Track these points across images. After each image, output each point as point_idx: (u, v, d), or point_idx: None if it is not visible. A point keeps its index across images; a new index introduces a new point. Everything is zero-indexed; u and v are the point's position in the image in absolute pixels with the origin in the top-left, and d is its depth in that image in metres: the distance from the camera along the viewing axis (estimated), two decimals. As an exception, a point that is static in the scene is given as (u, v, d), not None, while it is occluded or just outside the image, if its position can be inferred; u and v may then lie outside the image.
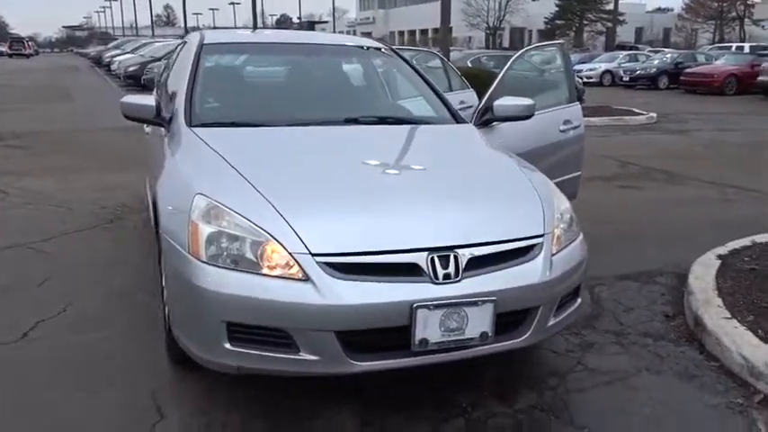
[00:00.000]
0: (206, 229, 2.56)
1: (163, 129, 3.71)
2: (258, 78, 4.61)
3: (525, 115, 3.92)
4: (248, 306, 2.44)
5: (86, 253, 4.87)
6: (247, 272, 2.48)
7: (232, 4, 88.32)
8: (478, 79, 8.98)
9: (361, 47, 4.72)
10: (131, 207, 6.16)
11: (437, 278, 2.50)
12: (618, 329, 3.64)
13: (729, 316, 3.47)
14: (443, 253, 2.54)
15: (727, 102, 19.86)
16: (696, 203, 6.77)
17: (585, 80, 25.54)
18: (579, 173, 4.89)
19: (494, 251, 2.64)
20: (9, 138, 10.60)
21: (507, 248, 2.68)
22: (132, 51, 29.05)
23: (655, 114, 14.75)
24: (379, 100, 4.44)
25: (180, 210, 2.73)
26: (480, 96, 4.51)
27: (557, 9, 55.28)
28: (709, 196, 7.11)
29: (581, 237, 3.05)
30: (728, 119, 15.08)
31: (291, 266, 2.45)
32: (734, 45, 35.06)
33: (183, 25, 51.59)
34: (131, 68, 22.91)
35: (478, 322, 2.54)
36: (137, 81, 21.22)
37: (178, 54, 4.81)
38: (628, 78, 26.63)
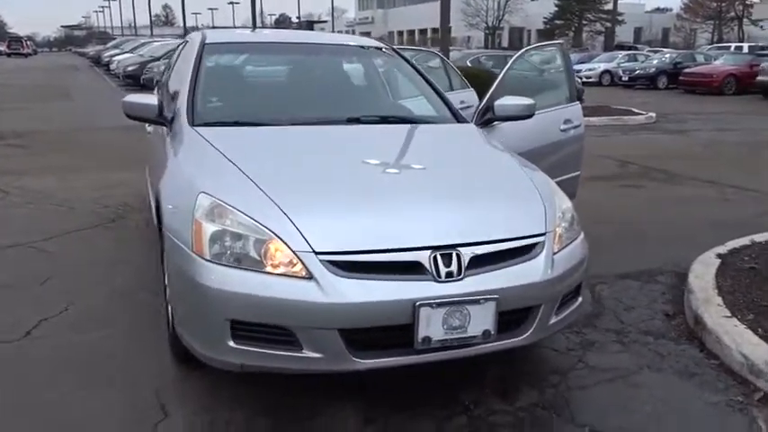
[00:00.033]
0: (210, 228, 2.58)
1: (165, 128, 3.73)
2: (260, 78, 4.62)
3: (526, 115, 3.94)
4: (252, 304, 2.45)
5: (88, 252, 4.88)
6: (251, 270, 2.49)
7: (231, 3, 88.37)
8: (478, 79, 9.00)
9: (363, 47, 4.74)
10: (132, 206, 6.17)
11: (440, 276, 2.52)
12: (619, 328, 3.66)
13: (729, 314, 3.48)
14: (446, 251, 2.56)
15: (726, 102, 19.89)
16: (695, 203, 6.79)
17: (584, 80, 25.58)
18: (579, 172, 4.91)
19: (496, 250, 2.66)
20: (9, 137, 10.61)
21: (509, 247, 2.69)
22: (131, 51, 29.04)
23: (654, 114, 14.77)
24: (381, 99, 4.46)
25: (183, 208, 2.74)
26: (480, 96, 4.53)
27: (556, 9, 55.31)
28: (708, 196, 7.13)
29: (582, 235, 3.07)
30: (727, 119, 15.11)
31: (295, 265, 2.47)
32: (733, 45, 35.12)
33: (181, 25, 51.60)
34: (130, 68, 22.93)
35: (481, 320, 2.55)
36: (136, 80, 21.23)
37: (180, 54, 4.82)
38: (627, 78, 26.66)
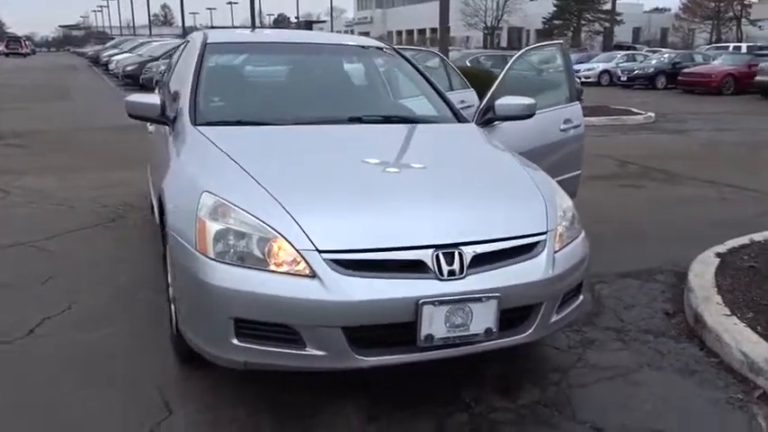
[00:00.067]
0: (213, 227, 2.59)
1: (167, 127, 3.74)
2: (262, 78, 4.64)
3: (526, 114, 3.96)
4: (255, 302, 2.47)
5: (89, 251, 4.89)
6: (254, 268, 2.50)
7: (230, 3, 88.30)
8: (478, 79, 9.02)
9: (364, 46, 4.75)
10: (133, 205, 6.18)
11: (442, 275, 2.53)
12: (619, 326, 3.68)
13: (729, 313, 3.50)
14: (448, 250, 2.57)
15: (724, 101, 19.93)
16: (695, 202, 6.81)
17: (583, 80, 25.59)
18: (579, 172, 4.93)
19: (497, 248, 2.67)
20: (9, 137, 10.62)
21: (511, 246, 2.71)
22: (130, 51, 29.03)
23: (653, 114, 14.80)
24: (383, 99, 4.48)
25: (187, 207, 2.75)
26: (480, 96, 4.55)
27: (554, 9, 55.35)
28: (707, 195, 7.15)
29: (583, 234, 3.08)
30: (726, 118, 15.14)
31: (298, 263, 2.48)
32: (731, 45, 35.20)
33: (180, 24, 51.57)
34: (129, 68, 22.93)
35: (483, 318, 2.57)
36: (135, 80, 21.24)
37: (181, 53, 4.84)
38: (625, 78, 26.68)
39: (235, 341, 2.52)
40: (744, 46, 32.95)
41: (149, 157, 5.27)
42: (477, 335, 2.59)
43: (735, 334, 3.28)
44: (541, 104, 4.20)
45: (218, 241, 2.57)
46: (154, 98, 3.70)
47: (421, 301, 2.47)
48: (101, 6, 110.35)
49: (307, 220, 2.56)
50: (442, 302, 2.50)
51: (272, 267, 2.50)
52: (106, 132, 11.17)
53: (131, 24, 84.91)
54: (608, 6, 44.00)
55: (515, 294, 2.64)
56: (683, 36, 59.49)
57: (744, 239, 4.81)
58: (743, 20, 52.37)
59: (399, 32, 75.41)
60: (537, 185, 3.12)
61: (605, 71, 28.66)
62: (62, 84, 23.96)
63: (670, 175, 8.25)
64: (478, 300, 2.55)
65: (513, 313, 2.70)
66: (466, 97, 5.84)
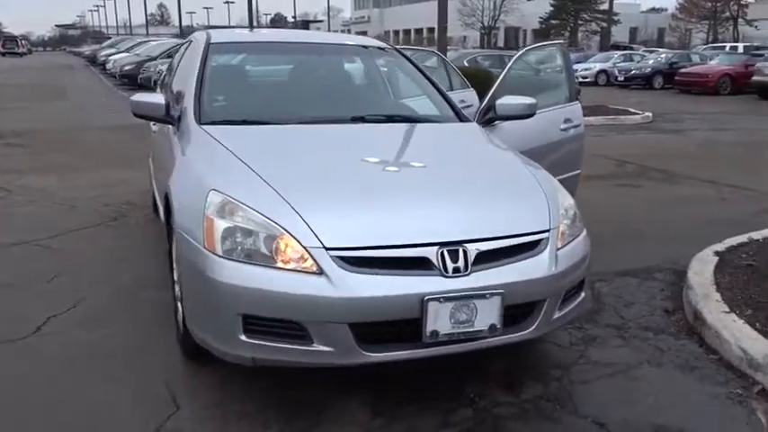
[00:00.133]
0: (221, 224, 2.63)
1: (171, 127, 3.77)
2: (266, 77, 4.67)
3: (527, 114, 4.00)
4: (263, 299, 2.50)
5: (93, 250, 4.92)
6: (262, 265, 2.54)
7: (227, 2, 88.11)
8: (477, 78, 9.08)
9: (366, 46, 4.79)
10: (134, 204, 6.21)
11: (447, 272, 2.57)
12: (619, 324, 3.72)
13: (728, 310, 3.55)
14: (453, 247, 2.61)
15: (721, 101, 20.00)
16: (693, 202, 6.86)
17: (581, 80, 25.62)
18: (579, 171, 4.97)
19: (501, 246, 2.72)
20: (9, 136, 10.63)
21: (514, 243, 2.75)
22: (127, 50, 29.00)
23: (650, 114, 14.85)
24: (385, 99, 4.52)
25: (194, 205, 2.79)
26: (479, 95, 4.58)
27: (551, 9, 55.47)
28: (705, 195, 7.20)
29: (584, 232, 3.13)
30: (723, 118, 15.20)
31: (306, 260, 2.52)
32: (728, 45, 35.31)
33: (177, 24, 51.54)
34: (127, 67, 22.88)
35: (487, 315, 2.61)
36: (132, 80, 21.17)
37: (184, 53, 4.87)
38: (623, 78, 26.75)
39: (243, 337, 2.55)
40: (740, 46, 33.07)
41: (152, 156, 5.30)
42: (481, 331, 2.63)
43: (734, 331, 3.32)
44: (542, 104, 4.24)
45: (225, 239, 2.60)
46: (158, 98, 3.73)
47: (426, 298, 2.51)
48: (97, 6, 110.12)
49: (313, 218, 2.60)
50: (447, 299, 2.53)
51: (280, 264, 2.54)
52: (105, 132, 11.19)
53: (128, 24, 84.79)
54: (605, 6, 43.99)
55: (519, 291, 2.68)
56: (679, 36, 59.64)
57: (742, 238, 4.86)
58: (739, 20, 52.52)
59: (396, 32, 75.45)
60: (539, 184, 3.16)
61: (602, 71, 28.73)
62: (60, 83, 23.95)
63: (668, 175, 8.30)
64: (483, 296, 2.59)
65: (517, 310, 2.73)
66: (466, 97, 5.88)
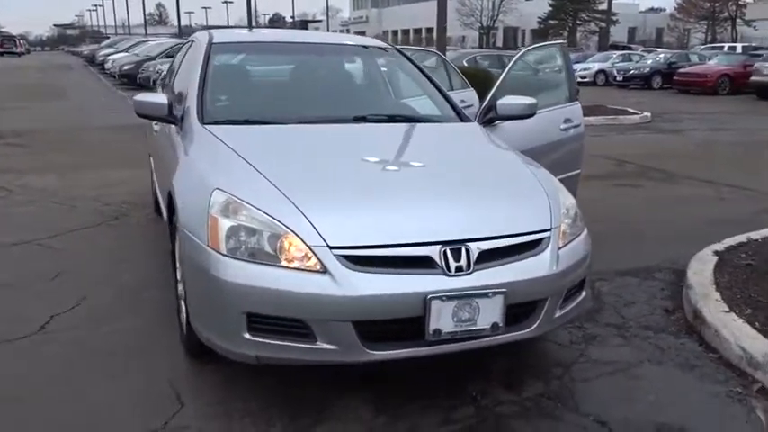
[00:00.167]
0: (225, 223, 2.65)
1: (174, 126, 3.79)
2: (268, 77, 4.69)
3: (527, 114, 4.02)
4: (267, 297, 2.52)
5: (94, 249, 4.94)
6: (266, 264, 2.56)
7: (225, 2, 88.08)
8: (476, 78, 9.09)
9: (368, 46, 4.81)
10: (135, 204, 6.23)
11: (450, 270, 2.59)
12: (619, 323, 3.74)
13: (728, 309, 3.57)
14: (455, 246, 2.63)
15: (720, 101, 20.04)
16: (692, 202, 6.88)
17: (579, 80, 25.45)
18: (579, 171, 4.98)
19: (503, 245, 2.73)
20: (8, 136, 10.64)
21: (516, 242, 2.77)
22: (126, 50, 28.99)
23: (649, 114, 14.88)
24: (387, 99, 4.54)
25: (198, 205, 2.80)
26: (479, 95, 4.59)
27: (550, 9, 55.53)
28: (704, 195, 7.22)
29: (585, 231, 3.15)
30: (722, 118, 15.24)
31: (309, 259, 2.54)
32: (726, 45, 35.35)
33: (176, 24, 51.52)
34: (126, 67, 22.89)
35: (489, 313, 2.63)
36: (131, 80, 21.20)
37: (186, 53, 4.88)
38: (621, 78, 26.78)
39: (247, 335, 2.57)
40: (739, 46, 33.11)
41: (153, 156, 5.31)
42: (483, 329, 2.65)
43: (733, 330, 3.35)
44: (542, 104, 4.26)
45: (229, 238, 2.62)
46: (161, 97, 3.75)
47: (429, 297, 2.53)
48: (95, 5, 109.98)
49: (317, 217, 2.62)
50: (449, 298, 2.55)
51: (284, 263, 2.55)
52: (104, 132, 11.20)
53: (126, 24, 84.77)
54: (603, 6, 44.06)
55: (521, 290, 2.70)
56: (678, 36, 59.72)
57: (741, 238, 4.88)
58: (738, 20, 52.60)
59: (395, 32, 75.45)
60: (540, 183, 3.18)
61: (601, 71, 28.76)
62: (59, 83, 23.94)
63: (667, 175, 8.32)
64: (485, 295, 2.61)
65: (519, 308, 2.75)
66: (466, 97, 5.89)
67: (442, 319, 2.56)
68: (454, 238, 2.65)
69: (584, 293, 3.13)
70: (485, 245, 2.69)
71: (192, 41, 4.87)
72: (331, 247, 2.54)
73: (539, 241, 2.83)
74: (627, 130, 13.21)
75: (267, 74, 4.70)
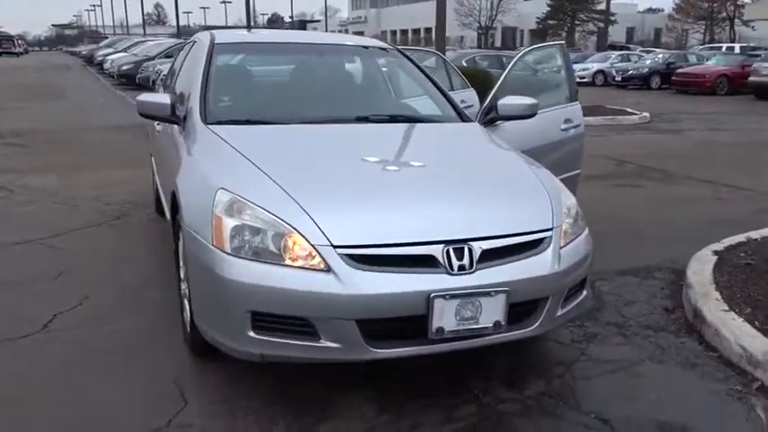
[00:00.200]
0: (230, 223, 2.66)
1: (177, 126, 3.80)
2: (270, 77, 4.70)
3: (528, 114, 4.04)
4: (272, 296, 2.54)
5: (96, 249, 4.95)
6: (271, 263, 2.57)
7: (223, 2, 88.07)
8: (475, 78, 9.12)
9: (368, 47, 4.83)
10: (136, 203, 6.24)
11: (452, 269, 2.61)
12: (620, 322, 3.76)
13: (727, 308, 3.59)
14: (458, 245, 2.65)
15: (718, 102, 20.08)
16: (691, 202, 6.91)
17: (578, 80, 25.48)
18: (579, 171, 5.01)
19: (506, 244, 2.75)
20: (8, 136, 10.65)
21: (518, 242, 2.79)
22: (125, 50, 28.98)
23: (648, 114, 14.91)
24: (388, 99, 4.55)
25: (202, 204, 2.82)
26: (479, 95, 4.61)
27: (548, 9, 55.54)
28: (703, 194, 7.25)
29: (587, 231, 3.17)
30: (720, 118, 15.27)
31: (313, 258, 2.56)
32: (724, 45, 35.39)
33: (174, 24, 51.48)
34: (125, 67, 22.89)
35: (492, 312, 2.65)
36: (130, 80, 21.20)
37: (188, 54, 4.90)
38: (620, 78, 26.80)
39: (251, 333, 2.59)
40: (737, 46, 33.16)
41: (155, 155, 5.33)
42: (486, 328, 2.67)
43: (733, 329, 3.37)
44: (542, 104, 4.27)
45: (234, 237, 2.64)
46: (164, 97, 3.76)
47: (432, 295, 2.54)
48: (93, 6, 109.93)
49: (321, 216, 2.64)
50: (452, 296, 2.57)
51: (288, 262, 2.57)
52: (104, 132, 11.20)
53: (124, 24, 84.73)
54: (602, 6, 44.10)
55: (523, 289, 2.72)
56: (676, 36, 59.77)
57: (740, 237, 4.90)
58: (736, 20, 52.66)
59: (394, 32, 75.45)
60: (542, 183, 3.20)
61: (600, 71, 28.79)
62: (57, 83, 23.93)
63: (666, 175, 8.35)
64: (488, 294, 2.62)
65: (521, 307, 2.77)
66: (466, 97, 5.92)
67: (445, 318, 2.58)
68: (457, 238, 2.66)
69: (585, 293, 3.15)
70: (487, 244, 2.70)
71: (194, 42, 4.89)
72: (335, 246, 2.56)
73: (540, 240, 2.85)
74: (626, 130, 13.24)
75: (269, 74, 4.72)
